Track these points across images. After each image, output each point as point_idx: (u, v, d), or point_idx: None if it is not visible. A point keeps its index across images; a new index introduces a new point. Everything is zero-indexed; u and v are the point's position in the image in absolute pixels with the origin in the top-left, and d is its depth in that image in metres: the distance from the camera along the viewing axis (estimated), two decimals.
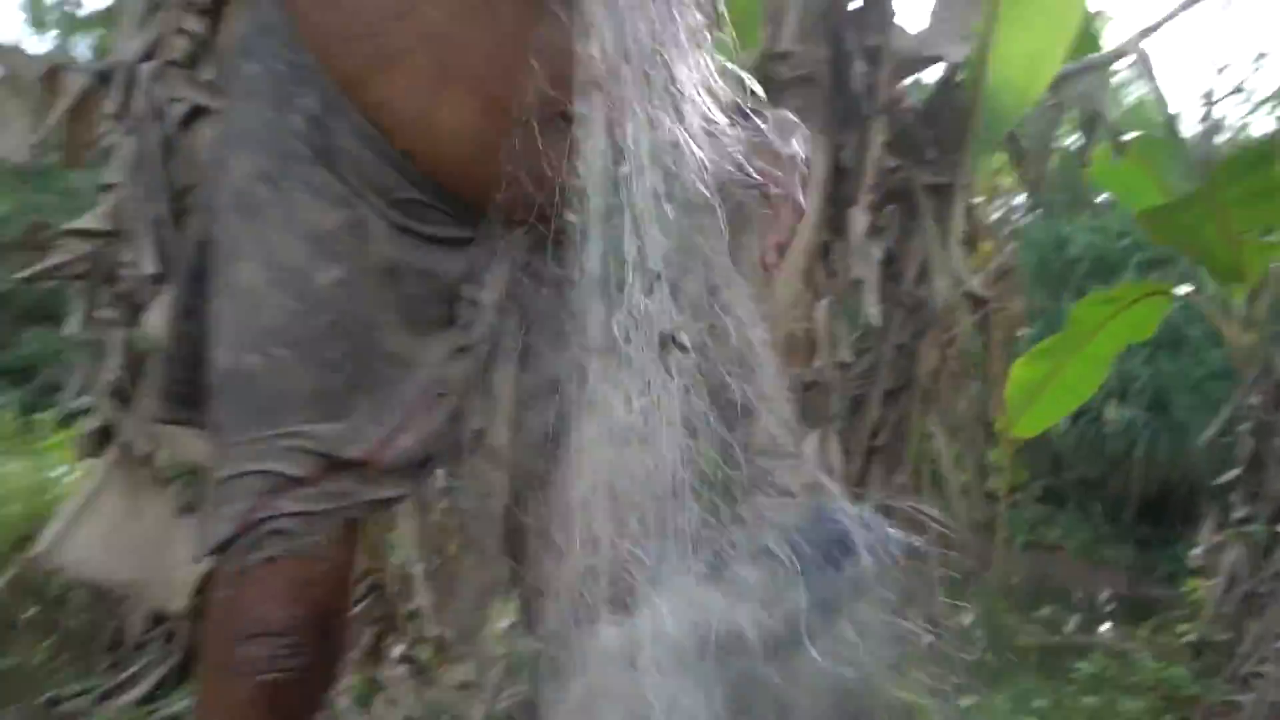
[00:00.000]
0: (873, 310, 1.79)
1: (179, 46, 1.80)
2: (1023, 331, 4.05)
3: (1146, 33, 2.11)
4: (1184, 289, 3.39)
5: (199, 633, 1.96)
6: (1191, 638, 2.42)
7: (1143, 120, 3.06)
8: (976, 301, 2.05)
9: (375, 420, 0.86)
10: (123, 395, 1.78)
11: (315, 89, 0.86)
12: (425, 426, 0.89)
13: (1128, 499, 11.56)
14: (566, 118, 0.83)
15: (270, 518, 0.83)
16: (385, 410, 0.87)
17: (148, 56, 1.79)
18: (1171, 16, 2.21)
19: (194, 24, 1.82)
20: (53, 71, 2.42)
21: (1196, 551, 2.65)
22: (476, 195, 0.86)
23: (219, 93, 1.86)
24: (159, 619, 2.04)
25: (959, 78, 1.84)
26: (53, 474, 2.81)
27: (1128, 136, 3.10)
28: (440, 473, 1.00)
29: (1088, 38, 2.42)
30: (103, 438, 1.83)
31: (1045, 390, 3.58)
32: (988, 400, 3.32)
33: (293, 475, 0.83)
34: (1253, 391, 2.51)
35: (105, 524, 1.76)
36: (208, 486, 0.92)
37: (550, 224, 0.91)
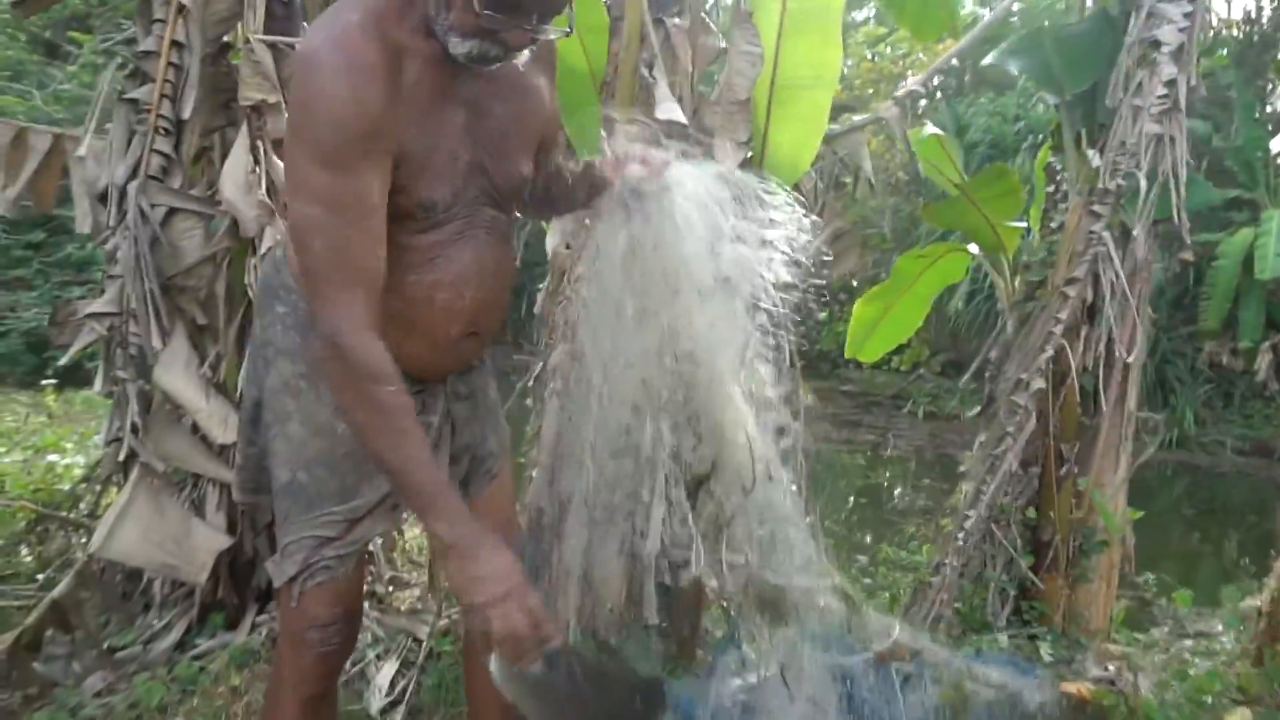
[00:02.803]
0: None
1: (154, 164, 2.33)
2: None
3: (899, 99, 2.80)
4: (974, 248, 4.19)
5: (209, 593, 2.63)
6: None
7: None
8: None
9: (372, 499, 1.51)
10: (143, 429, 2.39)
11: None
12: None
13: None
14: (474, 334, 1.49)
15: (319, 561, 1.48)
16: (376, 491, 1.51)
17: (132, 174, 2.31)
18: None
19: (164, 144, 2.35)
20: (19, 135, 2.90)
21: None
22: (428, 375, 1.52)
23: (187, 196, 2.41)
24: (178, 584, 2.70)
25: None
26: None
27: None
28: None
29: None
30: (128, 461, 2.44)
31: (880, 325, 4.43)
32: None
33: (329, 536, 1.48)
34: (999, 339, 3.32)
35: (140, 525, 2.37)
36: (279, 544, 1.55)
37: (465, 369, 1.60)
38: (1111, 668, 2.54)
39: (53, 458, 3.78)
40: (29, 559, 3.08)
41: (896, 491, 9.64)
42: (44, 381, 5.38)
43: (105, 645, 2.46)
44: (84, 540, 3.02)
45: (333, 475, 1.48)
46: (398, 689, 2.31)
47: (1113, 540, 3.03)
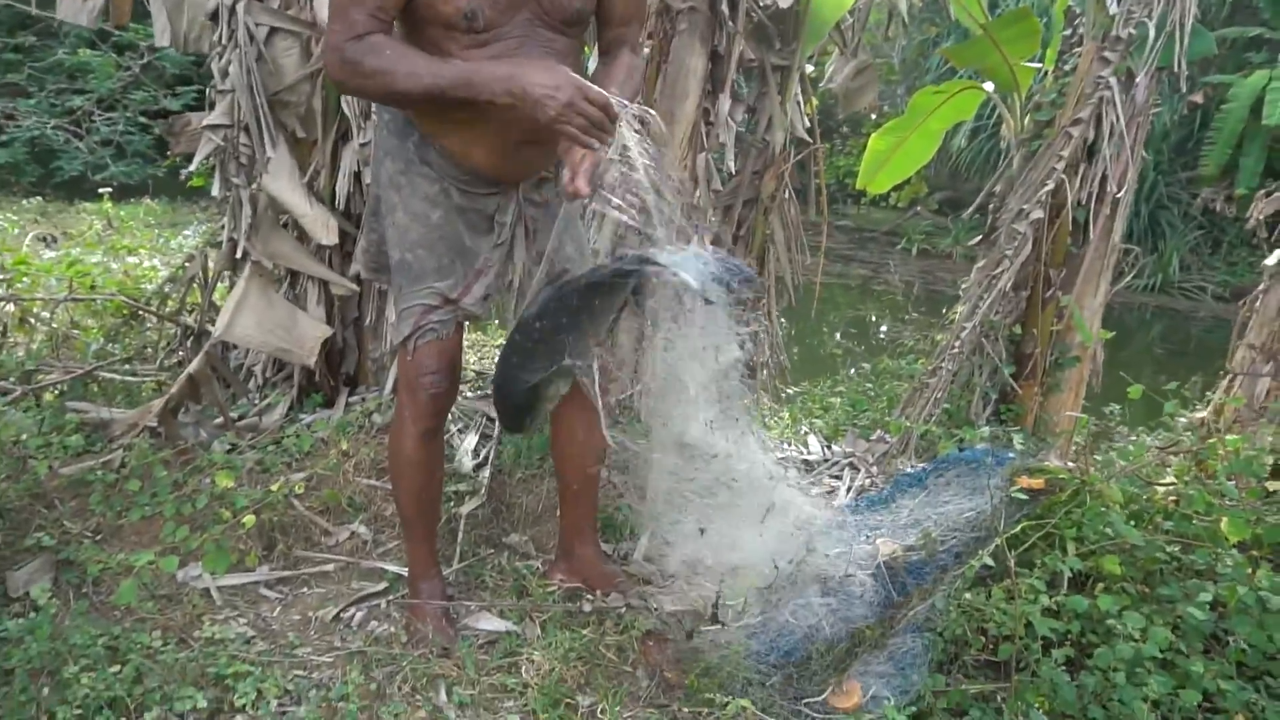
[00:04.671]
0: (730, 160, 2.82)
1: None
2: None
3: None
4: (989, 85, 4.41)
5: (305, 376, 3.05)
6: None
7: None
8: (802, 143, 3.05)
9: (462, 279, 1.89)
10: (253, 230, 2.73)
11: (416, 131, 1.79)
12: (484, 281, 1.94)
13: None
14: (533, 142, 1.79)
15: (426, 324, 1.87)
16: (466, 275, 1.90)
17: None
18: None
19: None
20: None
21: None
22: (497, 177, 1.84)
23: (285, 16, 2.64)
24: (278, 369, 3.12)
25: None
26: None
27: None
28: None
29: None
30: (241, 258, 2.80)
31: (892, 158, 4.70)
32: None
33: (433, 304, 1.86)
34: (1004, 174, 3.63)
35: (255, 314, 2.76)
36: (397, 310, 1.95)
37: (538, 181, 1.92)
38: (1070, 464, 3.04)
39: (131, 260, 4.12)
40: (130, 346, 3.49)
41: (883, 327, 10.12)
42: (100, 191, 5.63)
43: (229, 414, 2.90)
44: (174, 331, 3.43)
45: (431, 255, 1.84)
46: (481, 455, 2.78)
47: (1084, 356, 3.48)
